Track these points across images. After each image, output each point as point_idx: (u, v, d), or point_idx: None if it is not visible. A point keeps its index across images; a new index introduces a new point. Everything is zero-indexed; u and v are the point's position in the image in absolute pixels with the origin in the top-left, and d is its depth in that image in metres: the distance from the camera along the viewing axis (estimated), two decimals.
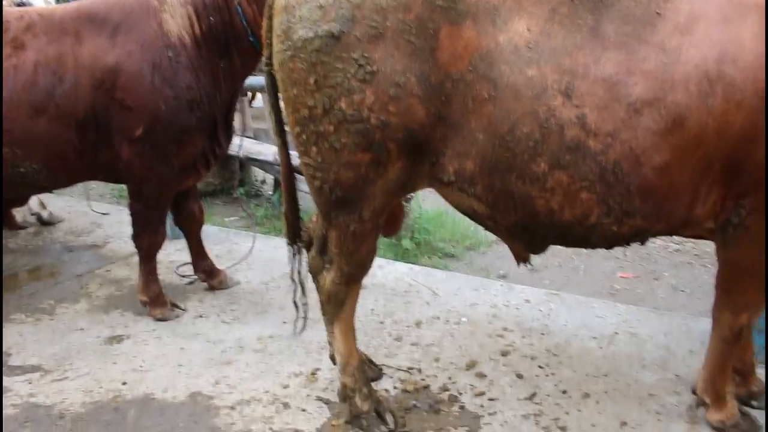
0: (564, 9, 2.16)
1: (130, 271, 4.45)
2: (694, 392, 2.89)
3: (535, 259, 5.58)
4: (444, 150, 2.31)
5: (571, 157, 2.16)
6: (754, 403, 2.90)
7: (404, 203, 5.50)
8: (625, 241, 2.39)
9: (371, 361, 3.17)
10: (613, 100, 2.10)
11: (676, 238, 6.28)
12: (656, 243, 6.19)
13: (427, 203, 6.19)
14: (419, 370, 3.22)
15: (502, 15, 2.17)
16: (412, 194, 5.66)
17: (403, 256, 5.38)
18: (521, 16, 2.17)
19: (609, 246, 2.44)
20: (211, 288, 4.21)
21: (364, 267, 2.65)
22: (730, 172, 2.20)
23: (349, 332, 2.79)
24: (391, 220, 2.74)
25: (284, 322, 3.71)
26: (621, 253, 5.92)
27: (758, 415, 2.81)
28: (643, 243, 2.46)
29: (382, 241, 5.68)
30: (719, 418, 2.72)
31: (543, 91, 2.12)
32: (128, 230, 3.80)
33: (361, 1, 2.19)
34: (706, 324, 3.68)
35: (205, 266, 4.22)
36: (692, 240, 6.14)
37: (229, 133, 3.91)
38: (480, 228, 2.61)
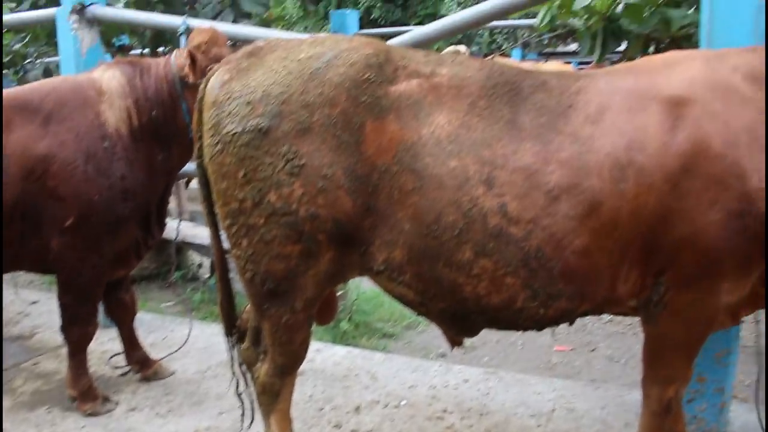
0: (482, 102, 2.29)
1: (59, 364, 4.28)
2: None
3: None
4: (373, 240, 2.35)
5: (495, 244, 2.23)
6: None
7: (341, 286, 5.53)
8: (552, 322, 2.45)
9: None
10: (532, 189, 2.20)
11: None
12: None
13: (364, 283, 6.19)
14: None
15: (424, 109, 2.28)
16: None
17: (342, 338, 5.35)
18: (442, 109, 2.28)
19: (538, 328, 2.50)
20: (146, 379, 4.08)
21: (298, 358, 2.64)
22: (646, 252, 2.31)
23: (286, 425, 2.74)
24: (324, 309, 2.75)
25: (221, 413, 3.62)
26: (557, 328, 6.01)
27: None
28: (571, 323, 2.53)
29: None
30: None
31: (465, 181, 2.22)
32: (58, 319, 3.67)
33: (288, 97, 2.26)
34: (639, 395, 3.75)
35: (139, 356, 4.11)
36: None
37: (161, 223, 3.89)
38: None
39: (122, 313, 4.02)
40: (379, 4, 19.37)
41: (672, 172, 2.20)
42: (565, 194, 2.20)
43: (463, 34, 16.84)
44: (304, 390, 3.84)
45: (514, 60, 9.87)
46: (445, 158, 2.23)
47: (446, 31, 3.98)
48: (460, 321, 2.49)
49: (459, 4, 18.38)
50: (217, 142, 2.34)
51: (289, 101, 2.26)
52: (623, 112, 2.26)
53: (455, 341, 2.73)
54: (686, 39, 3.74)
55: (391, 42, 4.27)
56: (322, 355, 4.40)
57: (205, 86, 2.44)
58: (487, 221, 2.22)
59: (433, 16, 17.59)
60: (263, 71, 2.33)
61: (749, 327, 3.29)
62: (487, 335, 5.69)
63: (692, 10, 3.68)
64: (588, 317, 6.17)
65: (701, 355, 3.15)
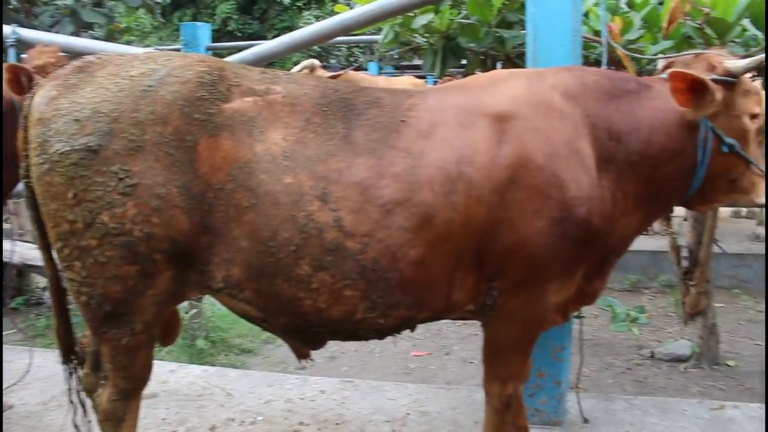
0: (317, 119, 2.33)
1: None
2: None
3: (332, 346, 5.70)
4: (210, 258, 2.33)
5: (333, 258, 2.26)
6: None
7: (196, 301, 5.40)
8: (393, 331, 2.52)
9: None
10: (367, 203, 2.26)
11: None
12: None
13: None
14: None
15: (258, 126, 2.28)
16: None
17: (199, 356, 5.23)
18: (276, 126, 2.29)
19: (379, 337, 2.57)
20: None
21: (141, 380, 2.55)
22: (479, 259, 2.43)
23: None
24: (167, 329, 2.68)
25: None
26: (414, 333, 6.18)
27: None
28: (412, 330, 2.63)
29: (176, 343, 5.50)
30: None
31: (300, 197, 2.24)
32: None
33: (118, 115, 2.20)
34: None
35: None
36: None
37: None
38: None
39: None
40: (236, 16, 19.06)
41: (499, 183, 2.34)
42: (398, 207, 2.27)
43: (322, 47, 16.98)
44: (156, 413, 3.73)
45: (370, 74, 10.05)
46: (280, 174, 2.25)
47: (289, 47, 4.02)
48: (303, 334, 2.51)
49: (317, 18, 18.45)
50: (44, 162, 2.22)
51: (120, 119, 2.19)
52: (453, 127, 2.38)
53: (302, 353, 2.74)
54: (520, 57, 3.99)
55: (236, 57, 4.26)
56: (176, 375, 4.28)
57: (31, 102, 2.32)
58: (323, 236, 2.25)
59: (290, 29, 17.57)
60: (93, 88, 2.25)
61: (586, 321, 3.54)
62: (346, 345, 5.77)
63: (524, 30, 3.95)
64: (443, 322, 6.43)
65: (539, 352, 3.38)
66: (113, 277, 2.28)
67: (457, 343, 5.82)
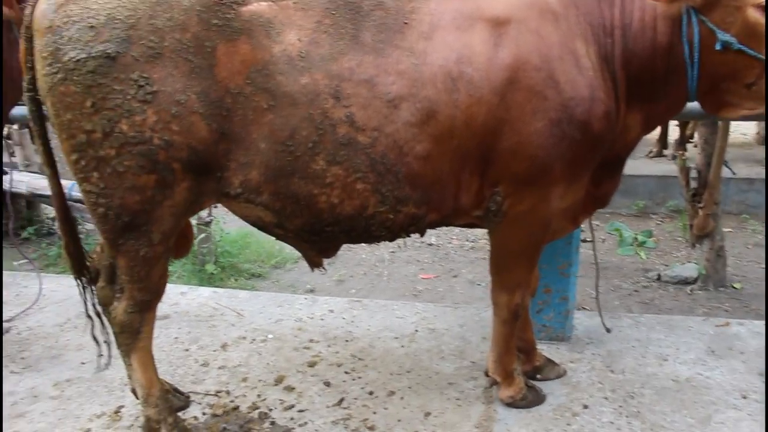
0: (327, 20, 2.36)
1: None
2: (486, 374, 3.13)
3: (340, 270, 5.77)
4: (228, 164, 2.36)
5: (345, 152, 2.34)
6: (538, 376, 3.20)
7: (205, 226, 5.45)
8: (403, 230, 2.57)
9: (177, 390, 3.09)
10: (375, 98, 2.32)
11: (470, 236, 6.75)
12: (453, 243, 6.61)
13: (229, 226, 6.14)
14: (228, 393, 3.19)
15: (275, 27, 2.30)
16: (212, 217, 5.63)
17: (209, 281, 5.30)
18: (291, 28, 2.32)
19: (390, 237, 2.61)
20: None
21: (157, 292, 2.59)
22: (483, 162, 2.48)
23: (148, 362, 2.70)
24: (180, 241, 2.71)
25: (83, 363, 3.51)
26: (422, 257, 6.25)
27: (542, 386, 3.11)
28: (422, 234, 2.66)
29: (186, 268, 5.58)
30: (509, 394, 2.98)
31: (316, 96, 2.29)
32: None
33: (135, 22, 2.18)
34: None
35: None
36: (485, 237, 6.68)
37: None
38: (285, 245, 2.64)
39: None
40: None
41: (498, 85, 2.36)
42: (404, 103, 2.33)
43: None
44: (169, 333, 3.80)
45: None
46: (297, 75, 2.28)
47: None
48: (317, 237, 2.56)
49: None
50: (57, 71, 2.19)
51: (137, 26, 2.17)
52: (452, 30, 2.40)
53: (315, 262, 2.80)
54: None
55: None
56: (187, 297, 4.35)
57: (32, 12, 2.26)
58: (336, 131, 2.32)
59: None
60: None
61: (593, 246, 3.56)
62: (354, 269, 5.84)
63: None
64: (451, 245, 6.49)
65: (547, 269, 3.42)
66: (132, 187, 2.29)
67: (465, 266, 5.87)
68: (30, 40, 2.28)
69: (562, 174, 2.49)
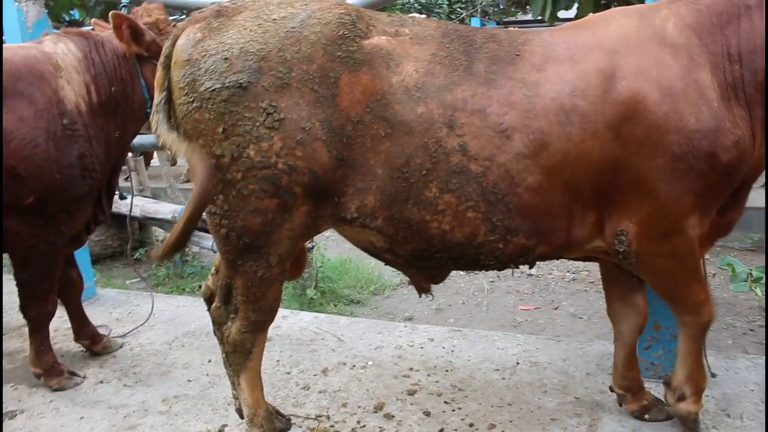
0: (442, 52, 2.45)
1: (23, 342, 4.24)
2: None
3: (439, 299, 5.75)
4: (345, 189, 2.43)
5: (458, 180, 2.38)
6: (646, 416, 3.06)
7: (306, 251, 5.55)
8: (512, 261, 2.56)
9: (278, 412, 3.14)
10: (488, 128, 2.35)
11: (572, 268, 6.59)
12: (554, 274, 6.46)
13: (329, 252, 6.23)
14: (328, 417, 3.22)
15: (394, 59, 2.41)
16: (313, 243, 5.74)
17: (309, 305, 5.38)
18: (409, 60, 2.41)
19: (499, 266, 2.61)
20: (95, 354, 4.06)
21: (271, 313, 2.67)
22: (599, 196, 2.44)
23: (257, 383, 2.77)
24: (294, 264, 2.79)
25: (189, 381, 3.64)
26: (522, 287, 6.15)
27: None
28: (531, 266, 2.63)
29: (287, 292, 5.69)
30: (695, 410, 2.89)
31: (431, 125, 2.36)
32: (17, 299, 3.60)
33: (266, 54, 2.32)
34: (600, 346, 3.88)
35: (88, 332, 4.06)
36: (587, 269, 6.51)
37: (110, 199, 3.82)
38: (384, 272, 2.66)
39: (69, 289, 3.95)
40: None
41: (613, 119, 2.34)
42: (516, 133, 2.35)
43: (422, 4, 16.83)
44: (271, 355, 3.88)
45: None
46: (413, 105, 2.36)
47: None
48: (426, 262, 2.59)
49: None
50: (193, 100, 2.35)
51: (267, 58, 2.32)
52: (565, 61, 2.41)
53: (423, 287, 2.82)
54: None
55: None
56: (289, 321, 4.43)
57: (172, 45, 2.45)
58: (449, 159, 2.36)
59: None
60: (236, 30, 2.37)
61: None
62: (453, 297, 5.79)
63: None
64: (552, 276, 6.34)
65: (656, 305, 3.28)
66: (254, 210, 2.39)
67: (565, 298, 5.71)
68: (168, 68, 2.45)
69: (692, 206, 2.43)
